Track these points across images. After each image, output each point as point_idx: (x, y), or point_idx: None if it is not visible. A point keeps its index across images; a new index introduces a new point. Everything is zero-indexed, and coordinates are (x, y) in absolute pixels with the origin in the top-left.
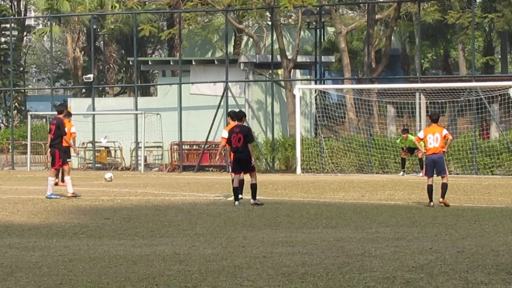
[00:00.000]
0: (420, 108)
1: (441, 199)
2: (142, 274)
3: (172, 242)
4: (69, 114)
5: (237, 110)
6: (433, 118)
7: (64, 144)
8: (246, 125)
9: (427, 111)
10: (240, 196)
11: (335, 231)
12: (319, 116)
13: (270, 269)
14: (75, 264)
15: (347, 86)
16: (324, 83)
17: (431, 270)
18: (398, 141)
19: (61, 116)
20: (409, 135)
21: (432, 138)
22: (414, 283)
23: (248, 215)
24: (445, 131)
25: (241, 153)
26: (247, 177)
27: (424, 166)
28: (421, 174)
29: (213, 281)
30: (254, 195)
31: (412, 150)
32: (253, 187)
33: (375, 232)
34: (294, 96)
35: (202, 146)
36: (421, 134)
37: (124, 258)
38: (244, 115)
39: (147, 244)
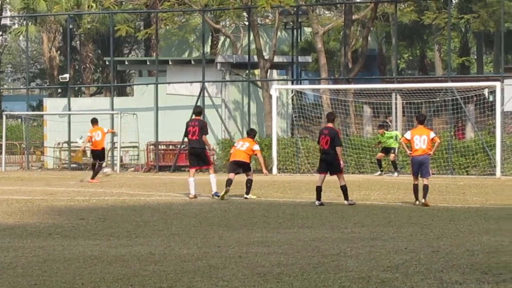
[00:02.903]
0: (396, 108)
1: (423, 200)
2: (117, 274)
3: (148, 243)
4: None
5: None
6: (420, 120)
7: None
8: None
9: (403, 112)
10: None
11: (311, 231)
12: (295, 116)
13: (245, 269)
14: (50, 265)
15: (323, 86)
16: (300, 83)
17: (406, 270)
18: (379, 141)
19: None
20: (386, 132)
21: (419, 139)
22: (389, 282)
23: (224, 215)
24: (432, 134)
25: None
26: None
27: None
28: (396, 174)
29: (188, 282)
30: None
31: (387, 150)
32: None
33: (351, 232)
34: (270, 96)
35: (179, 146)
36: (408, 135)
37: (99, 258)
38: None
39: (123, 244)
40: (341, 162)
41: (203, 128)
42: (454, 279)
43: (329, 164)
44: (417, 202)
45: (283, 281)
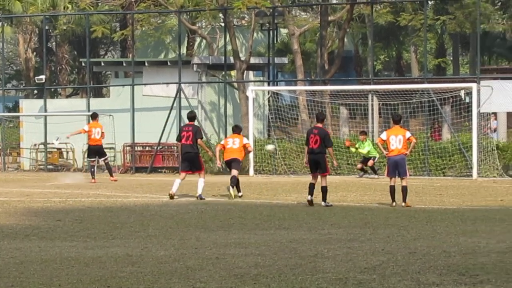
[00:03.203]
0: (372, 109)
1: (403, 204)
2: (94, 276)
3: (125, 244)
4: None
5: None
6: (395, 120)
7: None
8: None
9: (379, 113)
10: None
11: (288, 232)
12: (272, 118)
13: (222, 270)
14: (27, 266)
15: (300, 87)
16: (277, 85)
17: (383, 271)
18: (356, 146)
19: None
20: (367, 140)
21: (395, 140)
22: (367, 284)
23: (200, 216)
24: (408, 134)
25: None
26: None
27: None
28: (376, 176)
29: (166, 283)
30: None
31: (366, 160)
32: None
33: (328, 234)
34: (247, 97)
35: (155, 147)
36: (383, 136)
37: (76, 260)
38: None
39: (99, 246)
40: (335, 162)
41: (197, 133)
42: (431, 280)
43: (317, 163)
44: (394, 204)
45: (260, 283)
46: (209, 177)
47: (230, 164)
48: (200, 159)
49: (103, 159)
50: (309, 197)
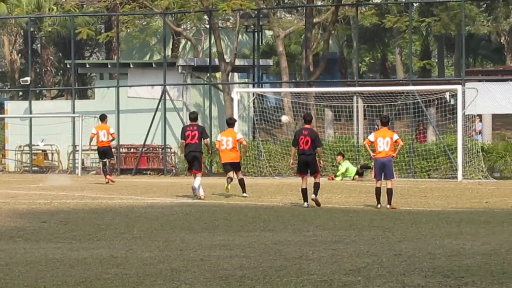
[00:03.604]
0: (357, 111)
1: (388, 206)
2: (79, 277)
3: (110, 246)
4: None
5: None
6: (383, 121)
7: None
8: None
9: (364, 115)
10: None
11: (273, 234)
12: (257, 120)
13: (207, 272)
14: (12, 268)
15: (285, 89)
16: (262, 87)
17: (368, 273)
18: (338, 174)
19: None
20: (346, 161)
21: (382, 142)
22: (351, 286)
23: (185, 218)
24: (396, 136)
25: (307, 155)
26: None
27: (373, 169)
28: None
29: (151, 285)
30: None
31: (360, 173)
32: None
33: (313, 235)
34: (232, 99)
35: (140, 149)
36: (371, 137)
37: (61, 261)
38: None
39: (84, 247)
40: (322, 162)
41: (203, 132)
42: (416, 283)
43: (309, 164)
44: (379, 206)
45: (245, 284)
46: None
47: (228, 166)
48: (202, 159)
49: (110, 160)
50: (305, 204)
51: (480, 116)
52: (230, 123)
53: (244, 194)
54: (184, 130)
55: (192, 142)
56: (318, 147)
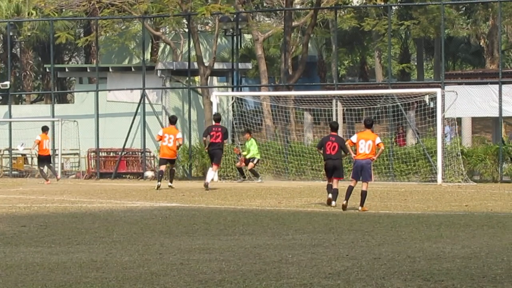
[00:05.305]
0: (337, 115)
1: (360, 208)
2: (59, 281)
3: (89, 249)
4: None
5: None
6: (367, 124)
7: None
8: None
9: (343, 118)
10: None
11: (252, 238)
12: (236, 123)
13: (187, 276)
14: None
15: (264, 93)
16: (241, 90)
17: (347, 277)
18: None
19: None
20: (252, 139)
21: (364, 144)
22: None
23: (165, 222)
24: (378, 139)
25: (334, 160)
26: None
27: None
28: (259, 180)
29: None
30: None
31: (248, 160)
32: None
33: (292, 239)
34: (211, 103)
35: (119, 153)
36: (354, 138)
37: (41, 265)
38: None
39: (64, 251)
40: (353, 154)
41: (226, 134)
42: (395, 286)
43: (335, 169)
44: (345, 202)
45: None
46: (184, 183)
47: (165, 162)
48: (221, 155)
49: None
50: (330, 195)
51: (448, 119)
52: (173, 120)
53: (170, 184)
54: (209, 129)
55: (216, 141)
56: (345, 153)
